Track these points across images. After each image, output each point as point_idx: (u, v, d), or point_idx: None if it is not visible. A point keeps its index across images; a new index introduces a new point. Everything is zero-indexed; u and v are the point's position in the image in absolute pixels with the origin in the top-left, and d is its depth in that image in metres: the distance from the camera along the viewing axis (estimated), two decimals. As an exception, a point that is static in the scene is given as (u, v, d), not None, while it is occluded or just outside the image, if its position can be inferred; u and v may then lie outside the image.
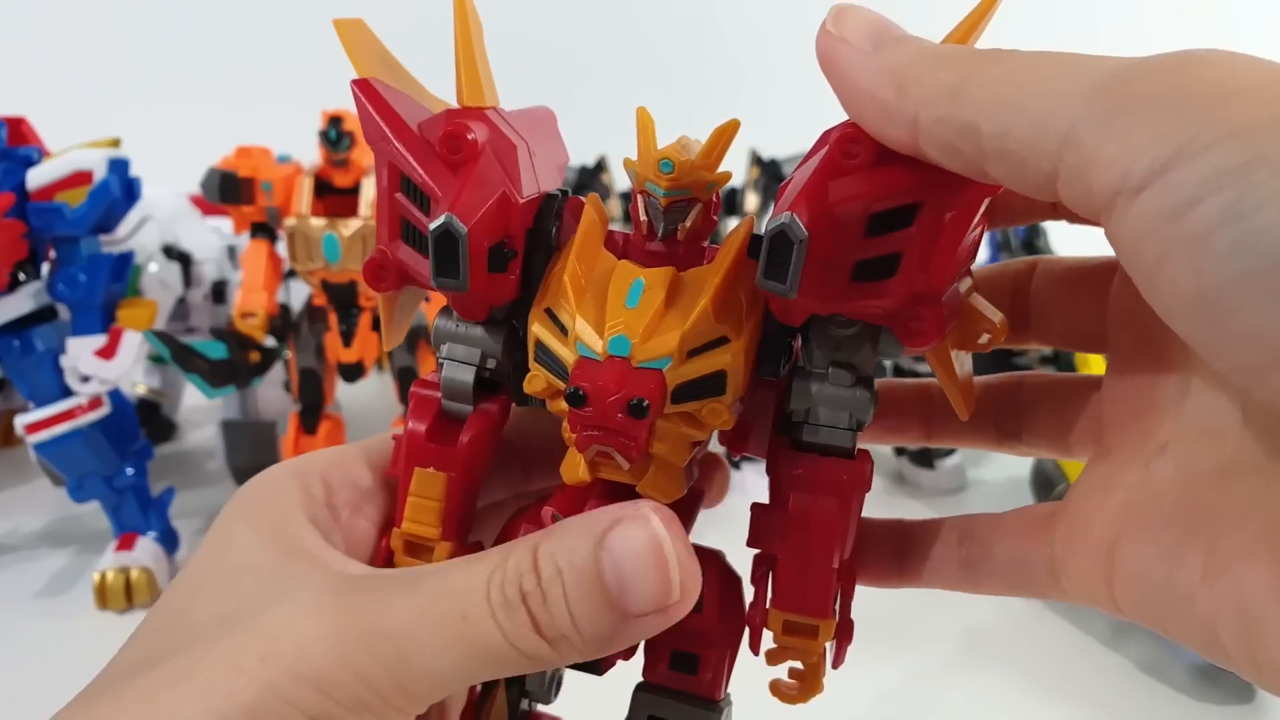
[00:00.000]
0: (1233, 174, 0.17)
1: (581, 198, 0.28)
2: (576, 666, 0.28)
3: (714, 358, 0.24)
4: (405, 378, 0.81)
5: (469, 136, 0.25)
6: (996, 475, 0.90)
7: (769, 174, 0.94)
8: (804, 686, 0.28)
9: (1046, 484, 0.74)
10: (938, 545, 0.29)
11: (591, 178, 0.96)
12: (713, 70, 1.50)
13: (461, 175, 0.25)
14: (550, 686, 0.32)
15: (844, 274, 0.23)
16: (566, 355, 0.24)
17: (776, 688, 0.28)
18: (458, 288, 0.25)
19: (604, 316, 0.24)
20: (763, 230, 0.24)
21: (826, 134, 0.24)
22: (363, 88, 0.26)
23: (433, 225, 0.24)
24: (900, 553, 0.29)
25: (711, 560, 0.28)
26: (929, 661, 0.63)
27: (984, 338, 0.25)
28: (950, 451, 0.87)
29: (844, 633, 0.28)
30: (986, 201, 0.23)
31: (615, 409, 0.23)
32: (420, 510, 0.27)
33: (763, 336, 0.26)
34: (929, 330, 0.23)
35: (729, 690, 0.29)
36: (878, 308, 0.23)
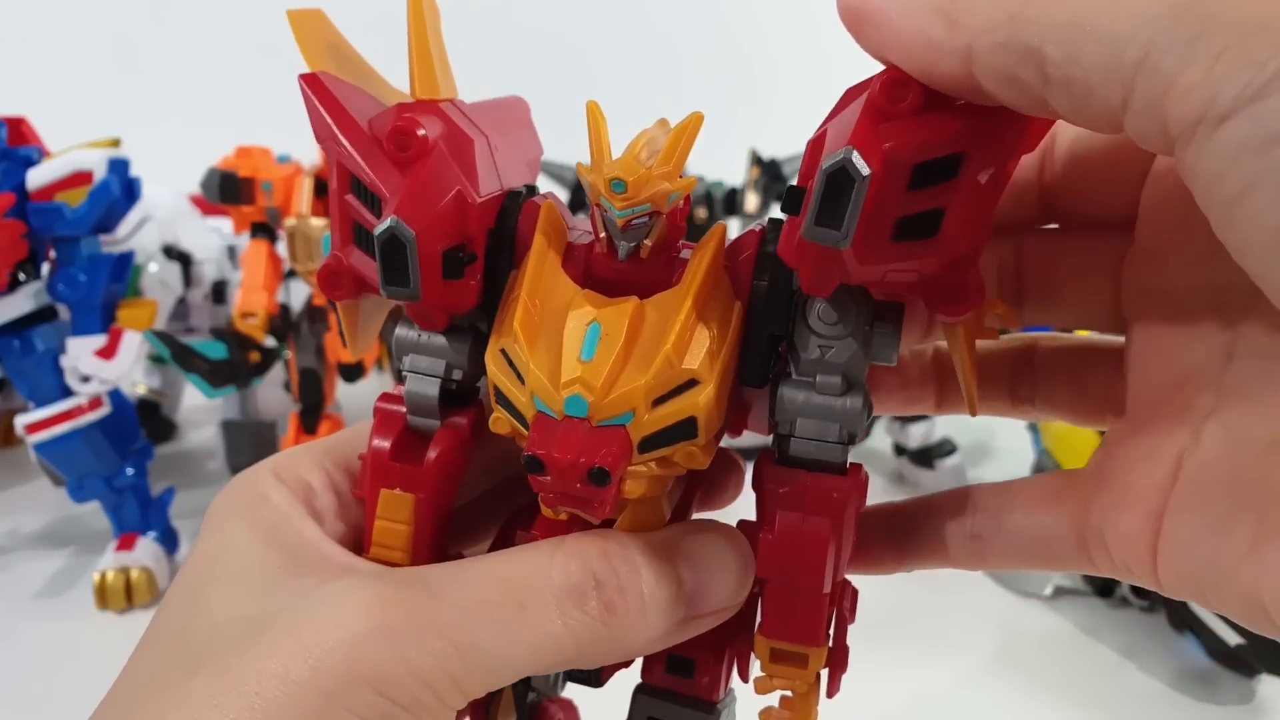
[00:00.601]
0: None
1: (539, 203, 0.26)
2: (575, 679, 0.28)
3: (682, 402, 0.22)
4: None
5: (418, 132, 0.23)
6: (996, 475, 0.90)
7: (769, 174, 0.93)
8: (795, 717, 0.27)
9: (1046, 484, 0.74)
10: (939, 520, 0.27)
11: (592, 177, 0.95)
12: (713, 69, 1.50)
13: (410, 174, 0.23)
14: (555, 681, 0.32)
15: (885, 232, 0.21)
16: (524, 408, 0.23)
17: (767, 717, 0.28)
18: (409, 296, 0.23)
19: (559, 368, 0.22)
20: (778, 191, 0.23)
21: (855, 88, 0.22)
22: (310, 83, 0.24)
23: (377, 230, 0.22)
24: (895, 533, 0.28)
25: None
26: (929, 661, 0.63)
27: (994, 321, 0.24)
28: (950, 451, 0.87)
29: (838, 661, 0.26)
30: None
31: (574, 478, 0.21)
32: (388, 534, 0.26)
33: (745, 341, 0.24)
34: (970, 295, 0.22)
35: (731, 686, 0.29)
36: (915, 271, 0.22)
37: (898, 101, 0.20)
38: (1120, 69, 0.17)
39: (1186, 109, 0.17)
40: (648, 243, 0.23)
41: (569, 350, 0.22)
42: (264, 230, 0.79)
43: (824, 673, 0.27)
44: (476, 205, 0.24)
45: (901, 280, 0.22)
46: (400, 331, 0.26)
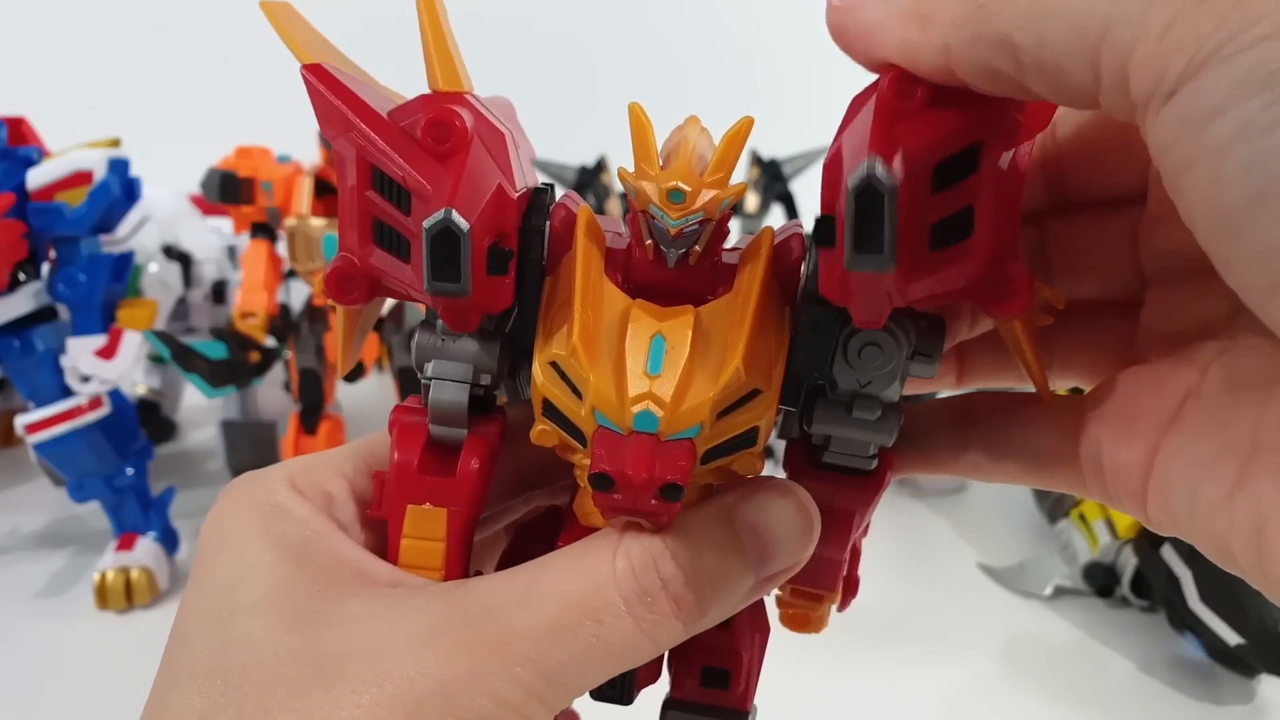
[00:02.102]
0: (1263, 83, 0.15)
1: (570, 205, 0.25)
2: (603, 697, 0.27)
3: (746, 414, 0.22)
4: (405, 378, 0.81)
5: (458, 123, 0.22)
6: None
7: (769, 174, 0.93)
8: (811, 614, 0.29)
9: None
10: (937, 426, 0.27)
11: (592, 178, 0.95)
12: (713, 69, 1.50)
13: (452, 166, 0.22)
14: None
15: (923, 244, 0.21)
16: (582, 422, 0.22)
17: (785, 606, 0.29)
18: (458, 293, 0.22)
19: (624, 382, 0.22)
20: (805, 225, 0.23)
21: (861, 96, 0.22)
22: (316, 73, 0.23)
23: (428, 222, 0.21)
24: (904, 437, 0.27)
25: None
26: (929, 661, 0.63)
27: (1044, 305, 0.23)
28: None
29: (850, 588, 0.28)
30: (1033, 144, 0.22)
31: (647, 495, 0.21)
32: (420, 553, 0.25)
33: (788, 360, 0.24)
34: (1020, 289, 0.21)
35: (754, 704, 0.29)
36: (961, 277, 0.21)
37: (908, 98, 0.20)
38: (1085, 47, 0.18)
39: (1142, 83, 0.17)
40: (697, 249, 0.23)
41: (634, 364, 0.22)
42: (264, 230, 0.79)
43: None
44: (514, 200, 0.23)
45: (949, 290, 0.22)
46: (421, 339, 0.25)
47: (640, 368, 0.22)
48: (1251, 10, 0.15)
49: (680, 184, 0.21)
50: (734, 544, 0.24)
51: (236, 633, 0.22)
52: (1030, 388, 0.26)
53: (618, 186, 0.97)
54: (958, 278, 0.21)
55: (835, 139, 0.22)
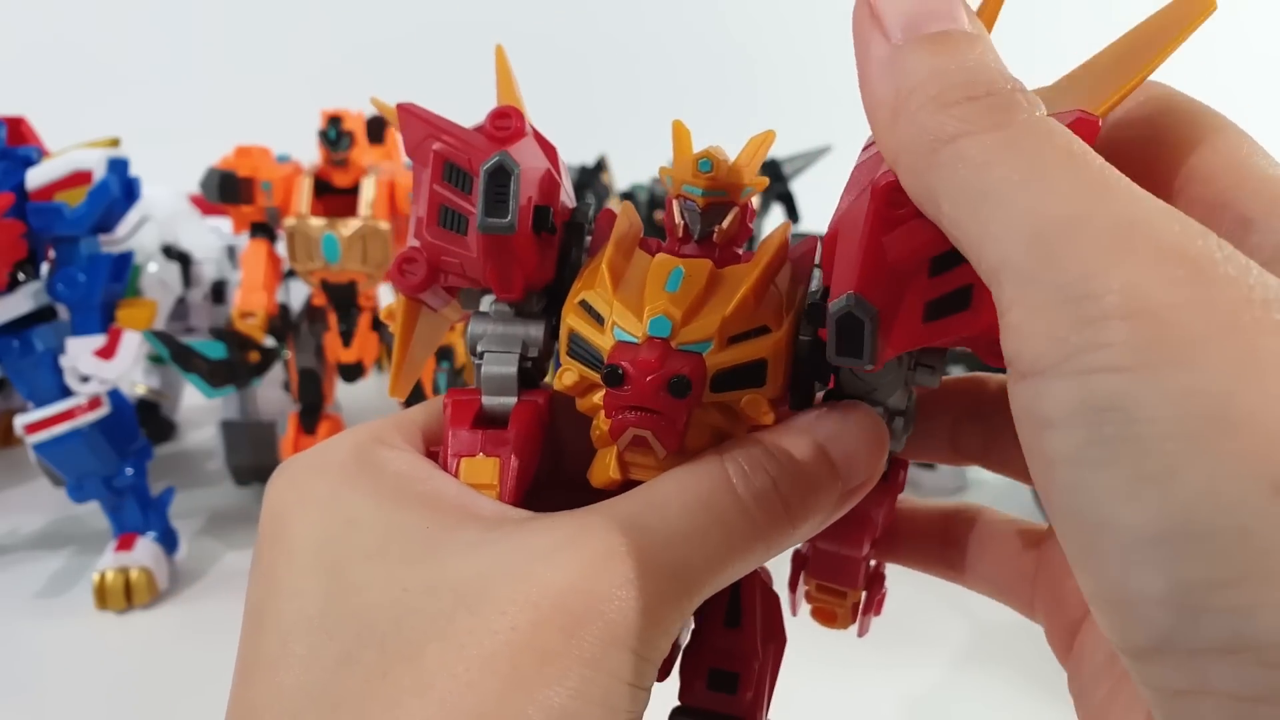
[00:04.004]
0: (1088, 417, 0.15)
1: (613, 211, 0.28)
2: None
3: (755, 345, 0.24)
4: (405, 378, 0.81)
5: (515, 117, 0.25)
6: (996, 476, 0.90)
7: (769, 174, 0.94)
8: (838, 609, 0.31)
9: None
10: (924, 536, 0.31)
11: (592, 177, 0.96)
12: (713, 69, 1.50)
13: (508, 145, 0.25)
14: None
15: (916, 317, 0.21)
16: (603, 343, 0.24)
17: (813, 607, 0.31)
18: (505, 229, 0.24)
19: (643, 302, 0.24)
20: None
21: (865, 166, 0.22)
22: (407, 107, 0.26)
23: (486, 163, 0.24)
24: (889, 532, 0.30)
25: (753, 577, 0.28)
26: (929, 661, 0.63)
27: None
28: (950, 451, 0.87)
29: (876, 583, 0.30)
30: None
31: (656, 386, 0.23)
32: None
33: (793, 366, 0.25)
34: None
35: (769, 716, 0.29)
36: (956, 339, 0.22)
37: (899, 207, 0.20)
38: (984, 262, 0.17)
39: (1006, 345, 0.17)
40: (722, 227, 0.25)
41: (654, 283, 0.24)
42: (263, 230, 0.79)
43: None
44: (560, 187, 0.26)
45: (945, 344, 0.22)
46: (473, 328, 0.27)
47: (659, 287, 0.24)
48: (1102, 334, 0.15)
49: (709, 155, 0.24)
50: (822, 455, 0.24)
51: (353, 579, 0.21)
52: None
53: (618, 186, 0.97)
54: (950, 341, 0.22)
55: (836, 213, 0.23)
